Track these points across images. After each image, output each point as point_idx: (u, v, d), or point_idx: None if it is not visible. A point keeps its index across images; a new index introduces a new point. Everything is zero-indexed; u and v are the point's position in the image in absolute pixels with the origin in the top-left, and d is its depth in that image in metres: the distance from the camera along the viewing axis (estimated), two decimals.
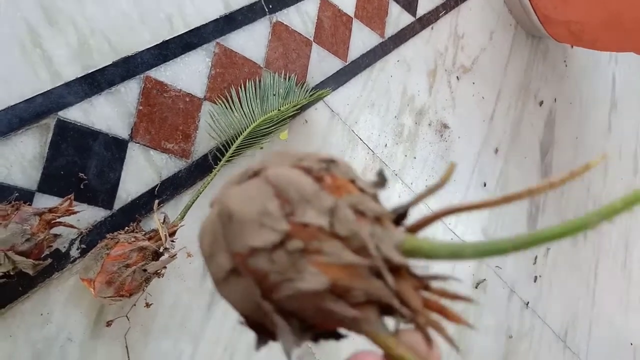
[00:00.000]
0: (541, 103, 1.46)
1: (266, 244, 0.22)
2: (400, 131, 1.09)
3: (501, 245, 0.22)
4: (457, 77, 1.23)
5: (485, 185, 1.25)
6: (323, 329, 0.24)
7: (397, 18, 1.11)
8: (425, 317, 0.23)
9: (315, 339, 0.24)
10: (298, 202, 0.22)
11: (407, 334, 0.23)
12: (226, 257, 0.23)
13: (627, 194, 0.22)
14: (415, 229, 0.25)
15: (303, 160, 0.24)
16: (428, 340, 0.23)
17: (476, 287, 1.21)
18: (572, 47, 1.60)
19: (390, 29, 1.09)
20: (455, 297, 0.24)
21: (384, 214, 0.24)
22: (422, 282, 0.24)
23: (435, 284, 0.24)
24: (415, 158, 1.11)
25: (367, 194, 0.24)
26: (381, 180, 0.25)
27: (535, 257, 1.40)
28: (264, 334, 0.24)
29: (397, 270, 0.23)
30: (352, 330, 0.23)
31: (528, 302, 1.35)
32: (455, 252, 0.23)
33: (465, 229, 1.19)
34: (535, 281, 1.39)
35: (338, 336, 0.25)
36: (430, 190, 0.24)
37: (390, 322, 0.23)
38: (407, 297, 0.23)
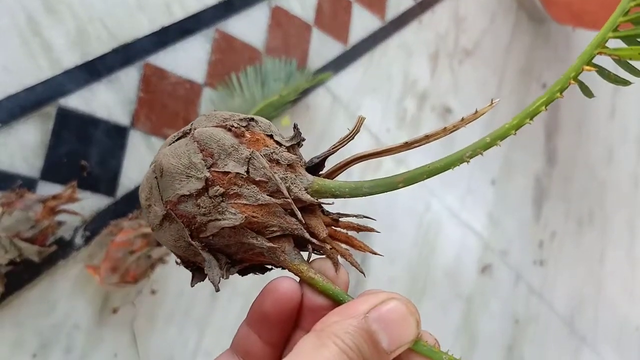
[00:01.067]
0: (544, 86, 1.45)
1: (191, 191, 0.25)
2: (402, 116, 1.08)
3: (393, 180, 0.27)
4: (459, 60, 1.22)
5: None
6: (249, 263, 0.28)
7: (398, 1, 1.11)
8: (332, 246, 0.27)
9: (242, 272, 0.28)
10: (219, 155, 0.26)
11: (318, 262, 0.27)
12: (160, 205, 0.26)
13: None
14: (330, 175, 0.29)
15: (227, 120, 0.27)
16: (335, 265, 0.27)
17: (482, 273, 1.21)
18: (573, 29, 1.59)
19: (391, 13, 1.09)
20: (358, 228, 0.29)
21: (296, 161, 0.27)
22: (332, 218, 0.29)
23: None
24: None
25: (282, 146, 0.28)
26: (296, 134, 0.28)
27: (541, 242, 1.40)
28: (198, 271, 0.28)
29: (311, 209, 0.27)
30: (272, 262, 0.27)
31: (534, 288, 1.34)
32: (355, 188, 0.27)
33: (469, 215, 1.19)
34: (541, 266, 1.39)
35: (263, 270, 0.29)
36: (342, 142, 0.29)
37: (305, 255, 0.27)
38: (316, 230, 0.27)
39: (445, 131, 0.28)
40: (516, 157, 1.33)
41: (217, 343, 0.77)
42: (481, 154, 0.27)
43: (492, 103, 0.27)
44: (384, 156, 0.28)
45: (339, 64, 0.97)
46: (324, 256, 0.27)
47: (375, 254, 0.28)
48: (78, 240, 0.66)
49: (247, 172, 0.26)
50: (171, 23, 0.76)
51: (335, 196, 0.28)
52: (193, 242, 0.26)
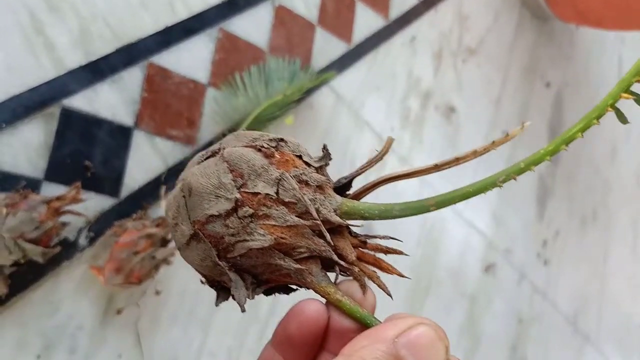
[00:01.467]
0: (548, 85, 1.44)
1: (220, 211, 0.25)
2: (406, 115, 1.08)
3: (423, 203, 0.27)
4: (463, 59, 1.22)
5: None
6: (275, 284, 0.28)
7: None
8: (359, 268, 0.27)
9: (268, 292, 0.28)
10: (249, 175, 0.26)
11: (346, 284, 0.27)
12: (187, 225, 0.26)
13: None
14: (357, 196, 0.29)
15: (256, 140, 0.27)
16: (363, 287, 0.27)
17: (486, 272, 1.21)
18: (577, 27, 1.58)
19: (395, 11, 1.08)
20: (387, 251, 0.28)
21: (326, 182, 0.27)
22: (360, 240, 0.28)
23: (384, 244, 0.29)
24: (422, 142, 1.10)
25: (311, 167, 0.28)
26: (325, 155, 0.28)
27: (545, 241, 1.40)
28: (223, 291, 0.28)
29: (339, 231, 0.27)
30: (299, 283, 0.27)
31: (538, 287, 1.34)
32: (385, 211, 0.27)
33: (473, 214, 1.18)
34: (545, 265, 1.38)
35: (288, 290, 0.29)
36: (370, 163, 0.29)
37: (332, 276, 0.27)
38: (344, 251, 0.27)
39: (476, 154, 0.28)
40: (520, 156, 1.32)
41: (221, 343, 0.77)
42: (514, 179, 0.27)
43: (522, 126, 0.27)
44: (413, 177, 0.28)
45: (342, 63, 0.97)
46: (350, 277, 0.27)
47: (403, 277, 0.28)
48: (82, 241, 0.66)
49: (277, 193, 0.26)
50: (175, 22, 0.75)
51: (365, 218, 0.27)
52: (220, 262, 0.26)
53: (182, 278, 0.74)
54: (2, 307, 0.60)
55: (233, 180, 0.25)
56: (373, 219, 0.27)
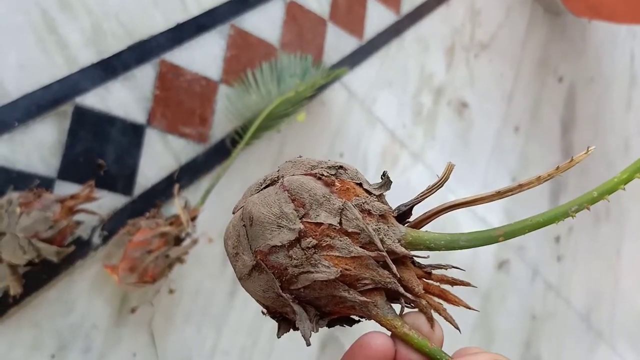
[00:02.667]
0: (560, 79, 1.43)
1: (284, 242, 0.25)
2: (418, 111, 1.07)
3: (491, 234, 0.27)
4: (475, 54, 1.21)
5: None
6: (338, 316, 0.27)
7: None
8: (426, 300, 0.27)
9: (331, 324, 0.28)
10: (311, 205, 0.25)
11: (412, 316, 0.26)
12: (249, 255, 0.26)
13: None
14: (418, 224, 0.28)
15: (315, 167, 0.27)
16: (430, 320, 0.26)
17: (499, 269, 1.20)
18: (589, 21, 1.57)
19: (406, 6, 1.07)
20: (454, 282, 0.28)
21: (388, 211, 0.27)
22: (425, 271, 0.28)
23: (446, 274, 0.28)
24: (434, 138, 1.09)
25: (372, 195, 0.27)
26: (386, 182, 0.28)
27: (558, 237, 1.38)
28: (284, 322, 0.27)
29: (403, 261, 0.27)
30: (363, 315, 0.26)
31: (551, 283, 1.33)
32: (452, 241, 0.27)
33: (486, 210, 1.17)
34: (558, 261, 1.37)
35: (351, 321, 0.28)
36: (431, 190, 0.28)
37: (397, 307, 0.27)
38: (410, 283, 0.26)
39: (540, 180, 0.27)
40: (533, 151, 1.31)
41: (234, 342, 0.77)
42: (588, 208, 0.26)
43: (587, 151, 0.26)
44: (475, 205, 0.28)
45: (354, 58, 0.96)
46: (414, 309, 0.27)
47: (471, 309, 0.27)
48: (96, 239, 0.65)
49: (340, 223, 0.25)
50: (186, 19, 0.75)
51: (430, 249, 0.27)
52: (283, 294, 0.25)
53: (195, 277, 0.73)
54: (16, 307, 0.60)
55: (295, 210, 0.25)
56: (439, 249, 0.27)
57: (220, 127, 0.77)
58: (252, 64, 0.81)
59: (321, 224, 0.25)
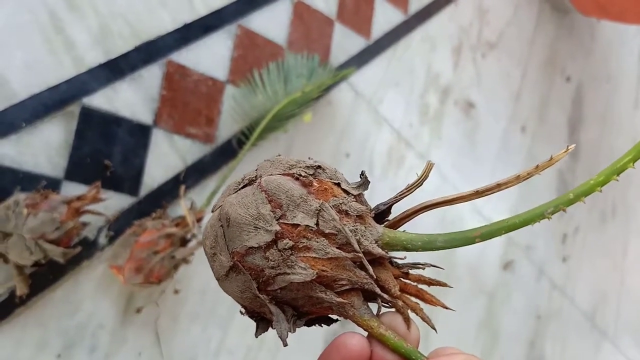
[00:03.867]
0: (568, 79, 1.42)
1: (260, 244, 0.25)
2: (425, 111, 1.07)
3: (468, 235, 0.26)
4: (482, 53, 1.20)
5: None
6: (316, 315, 0.27)
7: None
8: (402, 300, 0.27)
9: (308, 324, 0.28)
10: (288, 206, 0.25)
11: (389, 317, 0.26)
12: (226, 256, 0.26)
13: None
14: (396, 224, 0.28)
15: (293, 167, 0.27)
16: (407, 321, 0.26)
17: (505, 268, 1.19)
18: (598, 20, 1.55)
19: (414, 6, 1.07)
20: (430, 282, 0.28)
21: (366, 212, 0.27)
22: (402, 271, 0.28)
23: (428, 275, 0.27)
24: (441, 138, 1.09)
25: (350, 195, 0.27)
26: (364, 182, 0.28)
27: (565, 236, 1.38)
28: (263, 322, 0.28)
29: (380, 262, 0.27)
30: (340, 315, 0.26)
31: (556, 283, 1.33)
32: (429, 242, 0.27)
33: (492, 210, 1.17)
34: (564, 261, 1.37)
35: (330, 321, 0.28)
36: (410, 189, 0.28)
37: (374, 307, 0.27)
38: (387, 283, 0.26)
39: (519, 179, 0.27)
40: (539, 151, 1.30)
41: (239, 342, 0.77)
42: (564, 210, 0.26)
43: (567, 149, 0.27)
44: (454, 204, 0.28)
45: (361, 58, 0.96)
46: (391, 309, 0.27)
47: (448, 309, 0.27)
48: (102, 240, 0.66)
49: (317, 224, 0.25)
50: (193, 20, 0.75)
51: (407, 249, 0.27)
52: (260, 295, 0.25)
53: (200, 277, 0.73)
54: (23, 307, 0.60)
55: (272, 211, 0.25)
56: (416, 250, 0.27)
57: (226, 127, 0.77)
58: (259, 64, 0.81)
59: (298, 225, 0.25)
